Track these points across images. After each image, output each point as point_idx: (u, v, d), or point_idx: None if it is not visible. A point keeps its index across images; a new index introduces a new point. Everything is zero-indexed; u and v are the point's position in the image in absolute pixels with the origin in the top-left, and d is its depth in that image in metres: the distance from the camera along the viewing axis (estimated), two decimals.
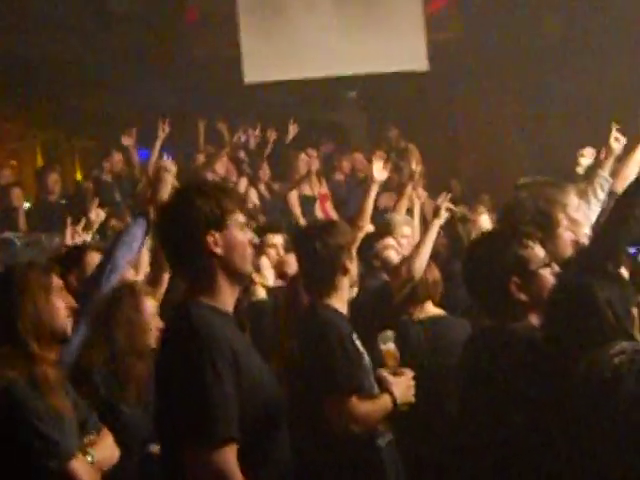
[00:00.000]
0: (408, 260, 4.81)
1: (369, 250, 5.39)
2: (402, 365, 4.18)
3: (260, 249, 5.65)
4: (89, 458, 3.25)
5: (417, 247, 4.87)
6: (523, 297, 3.20)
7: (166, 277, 4.44)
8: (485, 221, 6.21)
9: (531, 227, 3.60)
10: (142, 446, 3.78)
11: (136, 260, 4.56)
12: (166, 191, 4.41)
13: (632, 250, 3.66)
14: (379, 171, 5.95)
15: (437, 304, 5.09)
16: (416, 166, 6.85)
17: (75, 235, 6.19)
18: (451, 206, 5.33)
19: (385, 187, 7.92)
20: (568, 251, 3.97)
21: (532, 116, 12.12)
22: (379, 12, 11.99)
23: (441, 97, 12.73)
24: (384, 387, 3.88)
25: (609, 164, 5.55)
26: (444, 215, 5.18)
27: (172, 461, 2.72)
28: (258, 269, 5.39)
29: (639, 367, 2.87)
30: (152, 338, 3.96)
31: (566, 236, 3.99)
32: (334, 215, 9.38)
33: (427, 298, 5.02)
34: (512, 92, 12.31)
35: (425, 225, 6.54)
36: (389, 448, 3.85)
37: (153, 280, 4.47)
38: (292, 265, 5.27)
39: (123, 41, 11.43)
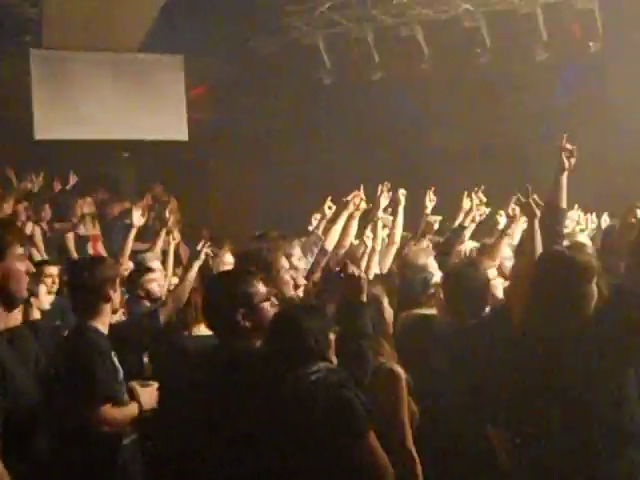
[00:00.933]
0: (173, 292, 4.78)
1: (133, 282, 5.45)
2: (162, 375, 4.13)
3: (38, 278, 5.58)
4: None
5: (179, 283, 4.81)
6: (247, 324, 3.25)
7: None
8: (228, 260, 6.24)
9: (258, 269, 3.70)
10: None
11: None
12: None
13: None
14: (138, 218, 6.14)
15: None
16: (171, 215, 6.83)
17: None
18: (208, 250, 5.27)
19: (147, 231, 7.97)
20: (287, 290, 4.20)
21: (269, 181, 12.59)
22: (149, 92, 12.40)
23: (198, 161, 13.12)
24: (133, 396, 3.83)
25: (329, 227, 5.73)
26: (202, 257, 5.10)
27: None
28: (35, 295, 5.17)
29: (330, 382, 2.98)
30: None
31: (286, 278, 4.22)
32: (103, 252, 9.18)
33: (199, 320, 4.91)
34: (254, 162, 12.76)
35: (179, 263, 6.62)
36: (133, 446, 3.79)
37: None
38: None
39: None
